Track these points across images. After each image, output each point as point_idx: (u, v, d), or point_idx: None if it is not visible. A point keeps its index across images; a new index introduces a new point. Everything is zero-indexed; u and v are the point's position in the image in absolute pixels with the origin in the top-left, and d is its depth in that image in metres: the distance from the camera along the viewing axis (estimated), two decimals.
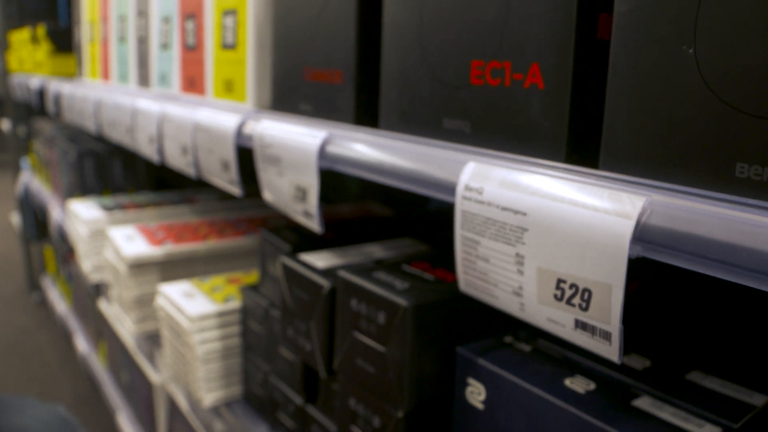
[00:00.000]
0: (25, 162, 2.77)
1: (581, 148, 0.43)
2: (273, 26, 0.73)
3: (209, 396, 0.90)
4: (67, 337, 2.37)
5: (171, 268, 1.12)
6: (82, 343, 2.02)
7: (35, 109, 2.60)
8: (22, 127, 2.75)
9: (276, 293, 0.80)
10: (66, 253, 2.18)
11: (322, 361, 0.64)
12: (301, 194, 0.62)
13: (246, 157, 0.77)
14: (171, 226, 1.22)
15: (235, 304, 0.91)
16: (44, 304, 2.78)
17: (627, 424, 0.43)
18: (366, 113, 0.61)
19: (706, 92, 0.34)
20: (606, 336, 0.36)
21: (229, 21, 0.82)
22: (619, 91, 0.38)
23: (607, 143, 0.39)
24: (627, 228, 0.34)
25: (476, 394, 0.52)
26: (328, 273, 0.65)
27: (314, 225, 0.61)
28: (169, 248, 1.10)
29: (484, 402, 0.51)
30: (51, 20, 2.72)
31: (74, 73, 2.01)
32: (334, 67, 0.63)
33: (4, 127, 2.93)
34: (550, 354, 0.53)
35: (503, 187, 0.41)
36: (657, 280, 0.62)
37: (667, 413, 0.45)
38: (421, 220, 0.98)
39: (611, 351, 0.36)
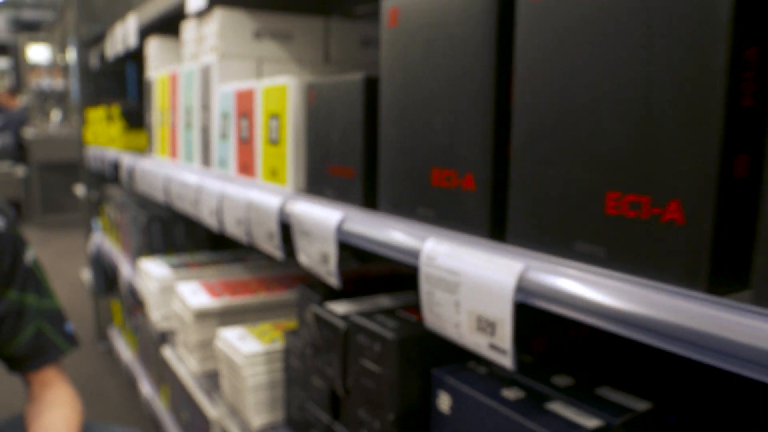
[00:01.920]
0: (96, 223, 3.08)
1: (500, 225, 0.64)
2: (306, 131, 0.97)
3: (257, 418, 1.12)
4: (131, 383, 2.62)
5: (228, 316, 1.35)
6: (146, 387, 2.26)
7: (107, 177, 2.92)
8: (95, 192, 3.07)
9: (310, 335, 1.02)
10: (133, 306, 2.44)
11: (340, 382, 0.86)
12: (325, 259, 0.84)
13: (286, 227, 1.00)
14: (228, 282, 1.46)
15: (279, 345, 1.14)
16: (111, 353, 3.05)
17: (535, 417, 0.63)
18: (369, 199, 0.84)
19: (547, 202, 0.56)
20: (504, 352, 0.57)
21: (273, 123, 1.07)
22: (518, 190, 0.60)
23: (511, 226, 0.61)
24: (511, 283, 0.56)
25: (444, 402, 0.72)
26: (345, 318, 0.87)
27: (334, 281, 0.84)
28: (227, 300, 1.34)
29: (450, 408, 0.72)
30: (121, 97, 3.07)
31: (142, 147, 2.30)
32: (349, 165, 0.86)
33: (79, 192, 3.26)
34: (499, 375, 0.74)
35: (447, 256, 0.63)
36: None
37: (569, 412, 0.65)
38: None
39: (507, 361, 0.57)
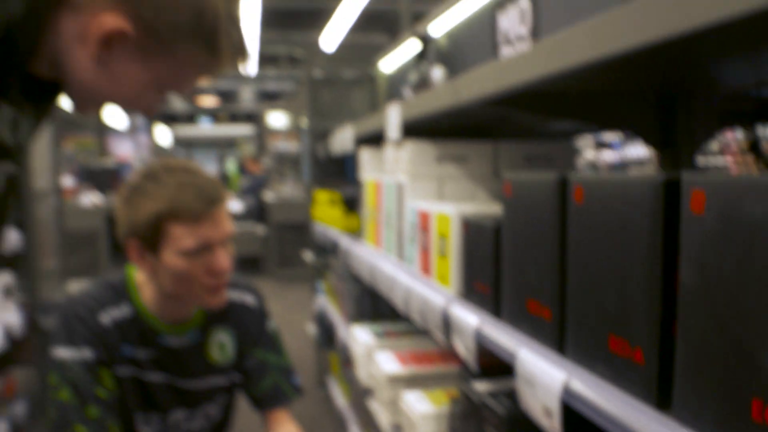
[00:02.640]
0: (320, 285, 3.63)
1: (562, 339, 0.95)
2: (462, 251, 1.33)
3: None
4: (343, 426, 3.08)
5: (412, 381, 1.72)
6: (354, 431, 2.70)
7: (328, 250, 3.47)
8: (320, 259, 3.64)
9: (461, 403, 1.36)
10: (345, 361, 2.91)
11: None
12: (467, 350, 1.19)
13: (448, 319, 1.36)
14: (415, 353, 1.84)
15: (446, 409, 1.48)
16: (327, 399, 3.56)
17: None
18: (498, 310, 1.17)
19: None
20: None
21: (441, 241, 1.44)
22: (573, 318, 0.91)
23: (567, 342, 0.92)
24: (558, 386, 0.87)
25: None
26: (479, 394, 1.20)
27: (473, 367, 1.17)
28: (412, 369, 1.72)
29: None
30: (341, 178, 3.63)
31: (356, 228, 2.78)
32: (485, 283, 1.20)
33: (307, 258, 3.86)
34: None
35: (529, 363, 0.95)
36: None
37: None
38: None
39: None
